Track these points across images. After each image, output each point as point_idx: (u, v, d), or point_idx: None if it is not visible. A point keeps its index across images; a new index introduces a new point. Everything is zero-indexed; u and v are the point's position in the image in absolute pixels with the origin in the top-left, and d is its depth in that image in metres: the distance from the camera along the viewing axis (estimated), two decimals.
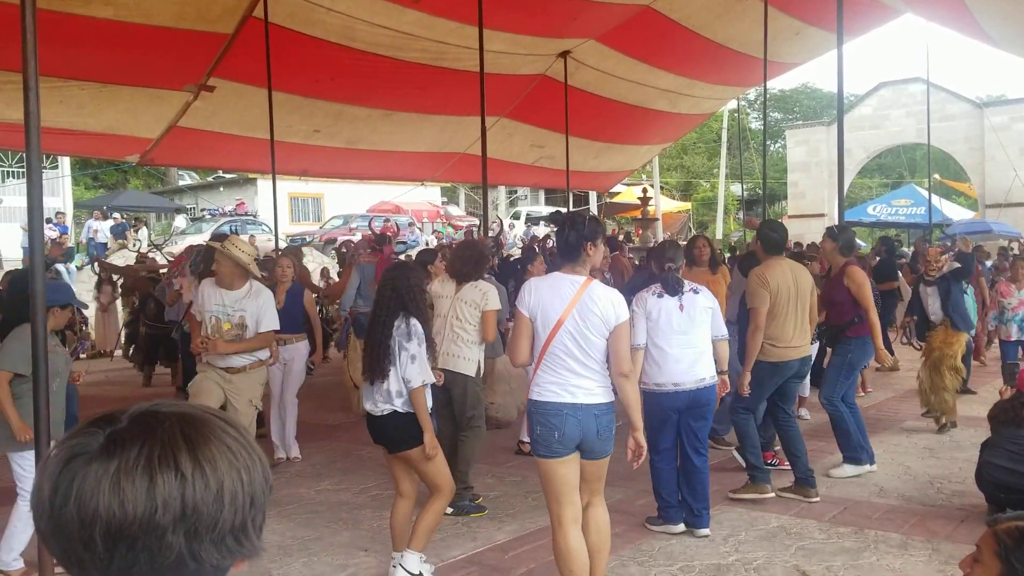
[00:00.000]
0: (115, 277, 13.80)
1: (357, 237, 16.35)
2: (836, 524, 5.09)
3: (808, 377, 7.03)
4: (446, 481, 4.27)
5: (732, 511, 5.36)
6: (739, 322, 6.19)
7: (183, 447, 0.86)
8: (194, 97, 9.81)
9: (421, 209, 28.53)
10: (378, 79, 10.33)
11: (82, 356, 12.93)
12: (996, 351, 10.09)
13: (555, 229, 3.97)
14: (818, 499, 5.51)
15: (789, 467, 5.81)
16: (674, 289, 4.90)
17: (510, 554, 4.73)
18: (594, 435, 3.67)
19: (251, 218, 27.07)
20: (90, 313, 14.10)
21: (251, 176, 27.10)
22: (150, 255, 15.43)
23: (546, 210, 31.58)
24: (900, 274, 11.45)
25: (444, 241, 19.74)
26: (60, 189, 25.13)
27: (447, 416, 5.40)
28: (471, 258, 5.62)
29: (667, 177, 38.87)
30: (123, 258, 18.29)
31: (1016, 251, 17.59)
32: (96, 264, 15.99)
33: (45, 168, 20.79)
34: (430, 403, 4.23)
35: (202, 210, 30.13)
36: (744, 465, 5.74)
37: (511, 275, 9.11)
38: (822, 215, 27.29)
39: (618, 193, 27.78)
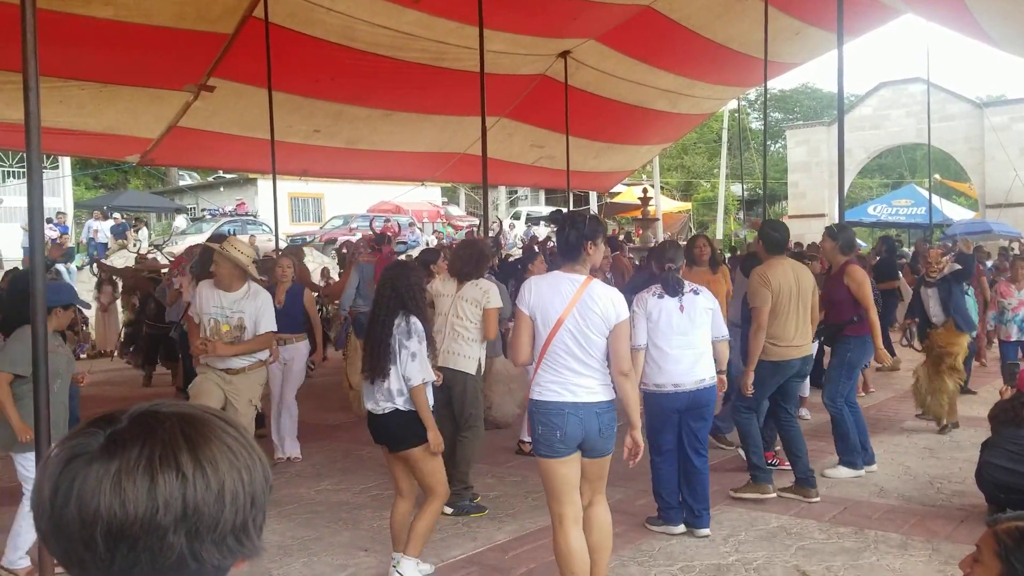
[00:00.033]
0: (115, 278, 13.81)
1: (358, 237, 16.36)
2: (836, 524, 5.09)
3: (808, 377, 7.02)
4: (441, 484, 4.25)
5: (732, 511, 5.36)
6: (742, 323, 6.19)
7: (184, 447, 0.86)
8: (194, 97, 9.81)
9: (421, 209, 28.54)
10: (378, 79, 10.33)
11: (83, 356, 12.93)
12: (996, 351, 10.09)
13: (555, 228, 3.97)
14: (818, 499, 5.51)
15: (789, 467, 5.82)
16: (674, 290, 4.90)
17: (510, 554, 4.73)
18: (596, 433, 3.67)
19: (251, 218, 27.08)
20: (90, 313, 14.09)
21: (251, 176, 27.11)
22: (149, 256, 15.44)
23: (546, 210, 31.57)
24: (900, 274, 11.44)
25: (445, 241, 19.74)
26: (60, 189, 25.14)
27: (447, 415, 5.40)
28: (472, 257, 5.62)
29: (667, 177, 38.86)
30: (123, 258, 18.30)
31: (1016, 251, 17.59)
32: (95, 265, 16.02)
33: (45, 168, 20.77)
34: (431, 401, 4.23)
35: (202, 210, 30.14)
36: (747, 463, 5.74)
37: (511, 275, 9.10)
38: (822, 215, 27.27)
39: (618, 193, 27.75)
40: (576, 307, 3.63)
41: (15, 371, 4.40)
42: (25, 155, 3.61)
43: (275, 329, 5.66)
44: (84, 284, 16.96)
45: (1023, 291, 8.83)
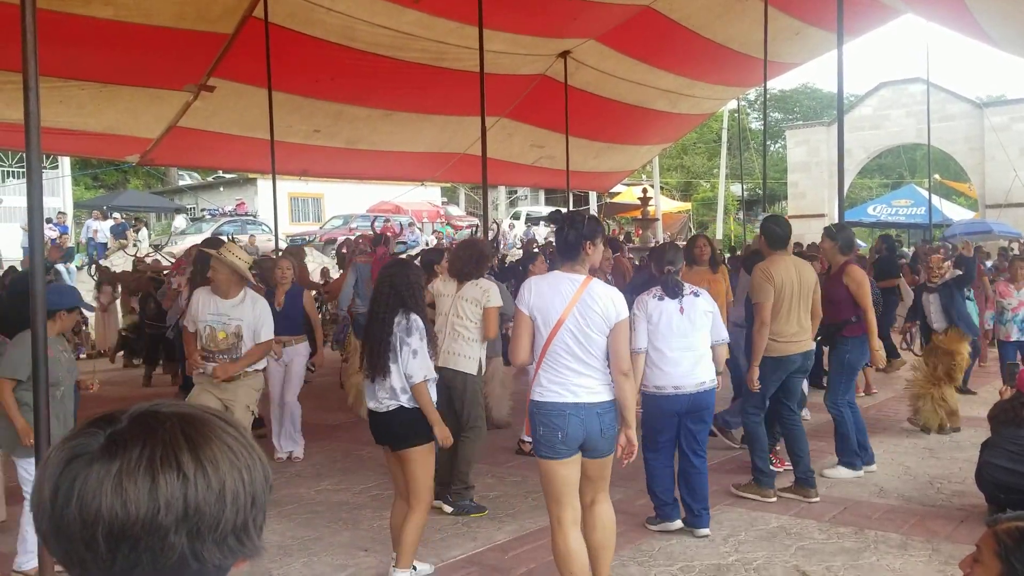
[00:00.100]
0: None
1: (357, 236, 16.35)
2: (836, 524, 5.09)
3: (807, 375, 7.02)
4: (428, 490, 4.23)
5: (732, 511, 5.36)
6: (747, 321, 6.19)
7: (185, 447, 0.86)
8: (194, 97, 9.81)
9: (421, 209, 28.55)
10: (378, 79, 10.33)
11: (82, 356, 12.94)
12: (995, 351, 10.09)
13: (554, 228, 3.98)
14: (818, 499, 5.51)
15: (787, 468, 5.83)
16: (674, 292, 4.90)
17: (510, 554, 4.73)
18: (597, 434, 3.67)
19: (251, 218, 27.09)
20: (90, 313, 14.11)
21: (251, 176, 27.11)
22: (148, 258, 15.45)
23: (546, 210, 31.55)
24: (900, 274, 11.42)
25: (445, 242, 19.75)
26: (60, 189, 25.15)
27: (448, 415, 5.40)
28: (472, 257, 5.62)
29: (667, 177, 38.87)
30: (122, 259, 18.30)
31: (1016, 251, 17.59)
32: (94, 267, 16.04)
33: (45, 168, 20.79)
34: (434, 397, 4.23)
35: (202, 210, 30.15)
36: (751, 465, 5.74)
37: (511, 276, 9.11)
38: (822, 215, 27.28)
39: (618, 193, 27.78)
40: (576, 306, 3.63)
41: (15, 376, 4.40)
42: (25, 155, 3.61)
43: (272, 337, 5.63)
44: (83, 284, 16.96)
45: (1023, 291, 8.82)
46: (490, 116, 9.77)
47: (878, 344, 6.16)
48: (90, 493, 0.83)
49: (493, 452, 6.77)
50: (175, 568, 0.85)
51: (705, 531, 4.91)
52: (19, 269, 12.46)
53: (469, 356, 5.46)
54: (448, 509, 5.43)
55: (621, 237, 18.78)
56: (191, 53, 8.81)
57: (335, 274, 15.79)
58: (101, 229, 22.64)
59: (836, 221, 7.50)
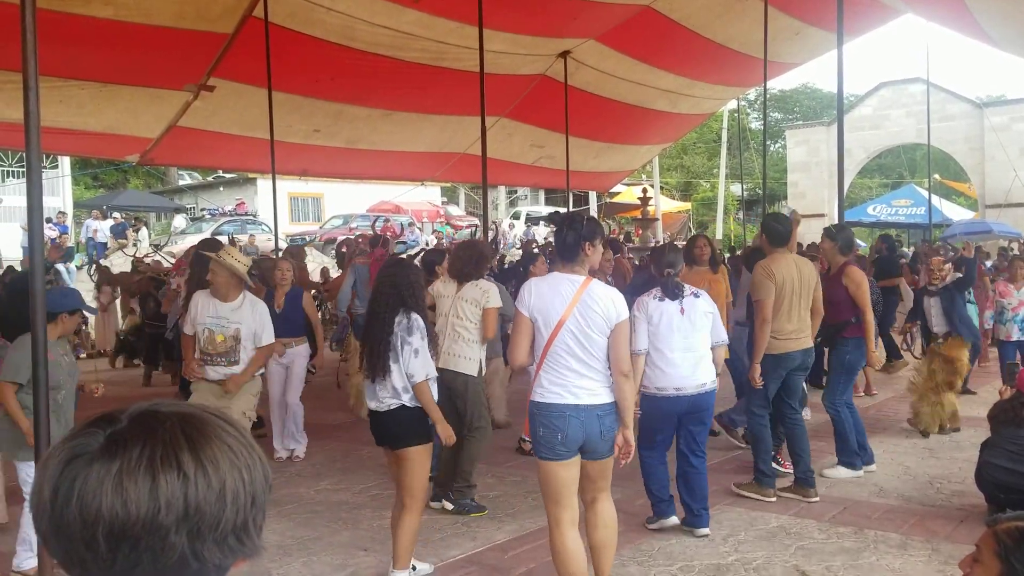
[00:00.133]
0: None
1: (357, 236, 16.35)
2: (836, 524, 5.09)
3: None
4: (422, 491, 4.22)
5: (732, 511, 5.36)
6: (750, 320, 6.19)
7: (185, 447, 0.86)
8: (194, 97, 9.81)
9: (421, 209, 28.55)
10: (378, 79, 10.33)
11: (81, 356, 12.95)
12: (996, 351, 10.09)
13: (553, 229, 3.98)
14: (817, 499, 5.51)
15: (786, 469, 5.83)
16: (674, 294, 4.90)
17: (510, 554, 4.73)
18: (597, 436, 3.67)
19: (251, 218, 27.08)
20: (91, 315, 14.12)
21: (251, 176, 27.11)
22: (147, 259, 15.45)
23: (546, 210, 31.58)
24: (900, 274, 11.42)
25: (445, 242, 19.75)
26: (60, 189, 25.14)
27: (449, 415, 5.39)
28: (471, 258, 5.62)
29: (667, 177, 38.87)
30: (121, 259, 18.30)
31: (1016, 251, 17.59)
32: (94, 266, 16.04)
33: (45, 168, 20.79)
34: (435, 396, 4.23)
35: (202, 210, 30.15)
36: (754, 466, 5.75)
37: (512, 277, 9.10)
38: (822, 215, 27.28)
39: (618, 193, 27.78)
40: (577, 307, 3.63)
41: (17, 379, 4.40)
42: (25, 154, 3.61)
43: (272, 341, 5.62)
44: (83, 284, 16.95)
45: (1022, 291, 8.82)
46: (490, 116, 9.77)
47: (875, 345, 6.16)
48: (90, 493, 0.83)
49: (493, 452, 6.76)
50: (175, 568, 0.85)
51: (705, 531, 4.91)
52: (18, 269, 12.46)
53: (469, 357, 5.46)
54: (449, 507, 5.43)
55: (621, 237, 18.78)
56: (191, 53, 8.81)
57: (335, 273, 15.80)
58: (101, 229, 22.64)
59: (836, 221, 7.50)
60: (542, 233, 25.19)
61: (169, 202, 30.83)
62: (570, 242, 3.73)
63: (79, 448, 0.86)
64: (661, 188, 29.79)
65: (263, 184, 26.26)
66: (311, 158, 12.57)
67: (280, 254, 9.68)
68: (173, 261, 13.09)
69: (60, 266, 17.02)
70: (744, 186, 28.55)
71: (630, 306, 3.96)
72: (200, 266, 6.08)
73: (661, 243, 13.80)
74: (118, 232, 23.07)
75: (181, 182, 33.88)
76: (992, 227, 22.74)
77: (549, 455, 3.67)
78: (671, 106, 13.67)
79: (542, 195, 36.47)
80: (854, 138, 26.70)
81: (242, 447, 0.90)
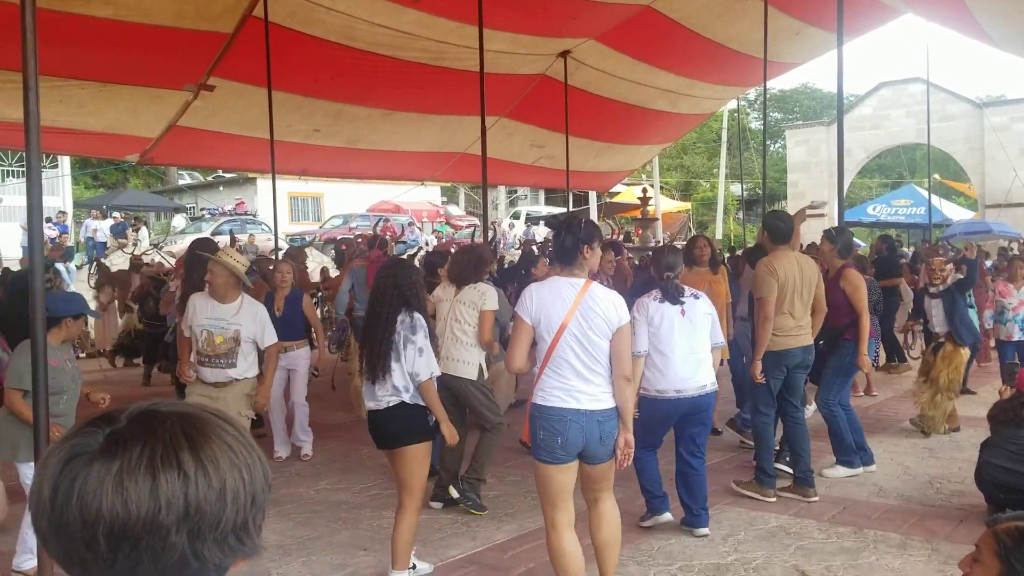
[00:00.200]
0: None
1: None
2: (835, 524, 5.09)
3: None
4: (420, 490, 4.21)
5: (731, 511, 5.36)
6: (751, 315, 6.21)
7: (185, 446, 0.86)
8: (194, 96, 9.80)
9: (421, 209, 28.56)
10: (378, 79, 10.33)
11: (81, 355, 12.94)
12: (994, 351, 10.09)
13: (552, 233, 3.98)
14: (817, 499, 5.51)
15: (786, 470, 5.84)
16: (674, 297, 4.89)
17: (509, 553, 4.73)
18: (596, 441, 3.66)
19: (251, 218, 27.08)
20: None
21: (251, 175, 27.12)
22: (144, 255, 15.44)
23: (546, 210, 31.65)
24: (900, 274, 11.42)
25: (443, 239, 19.75)
26: (60, 188, 25.14)
27: (451, 416, 5.39)
28: (470, 262, 5.62)
29: (667, 177, 38.88)
30: (121, 258, 18.30)
31: (1016, 251, 17.59)
32: (95, 264, 16.04)
33: (45, 167, 20.79)
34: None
35: (202, 209, 30.15)
36: (755, 466, 5.75)
37: (512, 278, 9.09)
38: (822, 215, 27.29)
39: (618, 193, 27.78)
40: (579, 310, 3.63)
41: (23, 386, 4.40)
42: (25, 154, 3.60)
43: (277, 339, 5.60)
44: (82, 284, 16.96)
45: (1022, 290, 8.81)
46: (490, 116, 9.77)
47: (876, 347, 6.17)
48: (91, 492, 0.83)
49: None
50: (176, 567, 0.85)
51: (704, 531, 4.91)
52: (13, 271, 12.43)
53: (468, 362, 5.44)
54: (455, 494, 5.41)
55: (620, 237, 18.78)
56: (191, 52, 8.81)
57: (334, 273, 15.81)
58: (101, 228, 22.66)
59: (836, 221, 7.51)
60: (542, 233, 25.21)
61: (169, 202, 30.84)
62: (568, 246, 3.72)
63: (78, 447, 0.85)
64: (661, 188, 29.79)
65: (263, 184, 26.27)
66: (311, 158, 12.57)
67: (280, 256, 9.67)
68: (173, 261, 13.09)
69: (60, 266, 17.02)
70: (744, 186, 28.56)
71: (631, 308, 3.96)
72: (195, 266, 6.04)
73: (661, 243, 13.81)
74: (118, 232, 23.08)
75: (181, 182, 33.89)
76: (992, 227, 22.75)
77: (548, 458, 3.67)
78: (671, 106, 13.66)
79: (542, 195, 36.49)
80: (854, 138, 26.71)
81: (242, 447, 0.90)
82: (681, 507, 5.03)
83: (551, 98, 11.67)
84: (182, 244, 18.95)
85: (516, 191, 36.70)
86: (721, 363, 6.18)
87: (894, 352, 10.66)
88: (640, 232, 17.71)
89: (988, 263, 14.94)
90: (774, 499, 5.53)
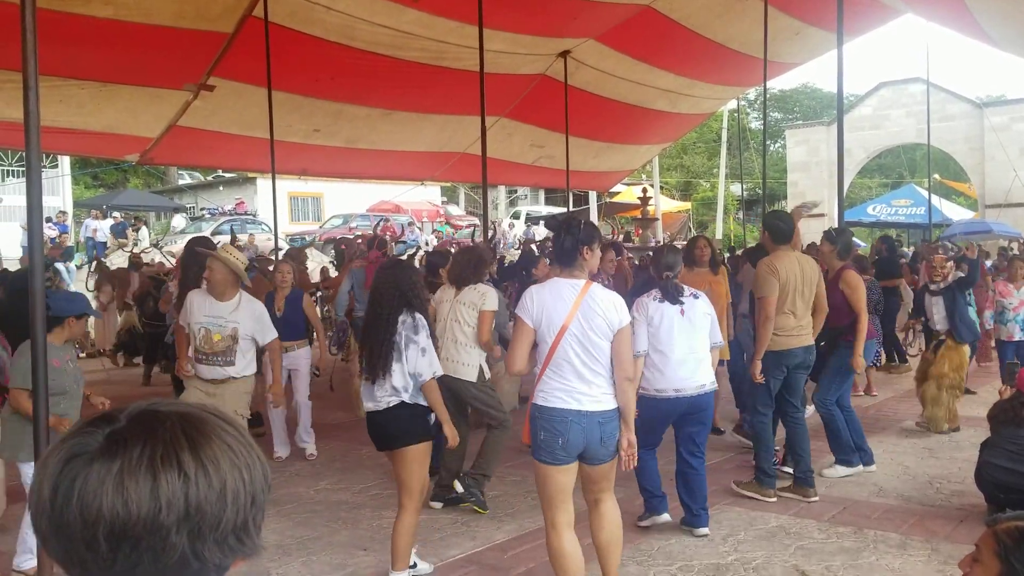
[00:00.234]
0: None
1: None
2: (835, 524, 5.09)
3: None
4: (420, 491, 4.21)
5: (731, 511, 5.36)
6: (752, 314, 6.21)
7: (185, 446, 0.85)
8: (194, 96, 9.81)
9: (421, 209, 28.56)
10: (378, 78, 10.33)
11: (81, 355, 12.94)
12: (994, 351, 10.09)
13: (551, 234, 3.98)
14: (817, 499, 5.51)
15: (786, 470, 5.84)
16: (674, 297, 4.89)
17: (509, 553, 4.73)
18: (597, 442, 3.66)
19: (251, 217, 27.08)
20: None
21: (251, 175, 27.11)
22: (144, 254, 15.43)
23: (546, 210, 31.65)
24: (901, 274, 11.42)
25: (444, 241, 19.75)
26: (60, 188, 25.15)
27: (452, 416, 5.38)
28: (470, 263, 5.62)
29: (667, 177, 38.88)
30: (121, 258, 18.30)
31: (1016, 251, 17.59)
32: (95, 264, 16.04)
33: (45, 167, 20.79)
34: None
35: (201, 209, 30.15)
36: (755, 466, 5.75)
37: (512, 278, 9.08)
38: (822, 215, 27.27)
39: (618, 193, 27.78)
40: (579, 311, 3.63)
41: (27, 386, 4.40)
42: (25, 154, 3.60)
43: (276, 335, 5.60)
44: (82, 284, 16.96)
45: (1022, 290, 8.81)
46: (490, 116, 9.77)
47: (862, 349, 6.16)
48: (91, 492, 0.82)
49: None
50: (176, 567, 0.85)
51: (704, 530, 4.91)
52: (11, 271, 12.43)
53: (468, 363, 5.44)
54: (459, 488, 5.40)
55: (620, 237, 18.78)
56: (191, 52, 8.81)
57: (334, 273, 15.80)
58: (100, 228, 22.66)
59: (836, 221, 7.52)
60: (542, 233, 25.22)
61: (169, 202, 30.84)
62: (568, 247, 3.72)
63: (78, 447, 0.85)
64: (661, 188, 29.80)
65: (263, 184, 26.26)
66: (311, 157, 12.57)
67: (280, 256, 9.67)
68: (174, 261, 13.08)
69: (59, 265, 17.03)
70: (744, 186, 28.55)
71: (631, 308, 3.95)
72: (191, 263, 6.02)
73: (661, 243, 13.81)
74: (118, 231, 23.08)
75: (181, 182, 33.89)
76: (992, 227, 22.76)
77: (548, 459, 3.67)
78: (671, 106, 13.66)
79: (542, 195, 36.49)
80: (854, 138, 26.72)
81: (242, 446, 0.90)
82: (681, 507, 5.03)
83: (551, 98, 11.67)
84: (182, 244, 18.92)
85: (516, 191, 36.70)
86: (721, 363, 6.19)
87: (895, 352, 10.68)
88: (640, 232, 17.71)
89: (988, 263, 14.94)
90: (774, 499, 5.53)
